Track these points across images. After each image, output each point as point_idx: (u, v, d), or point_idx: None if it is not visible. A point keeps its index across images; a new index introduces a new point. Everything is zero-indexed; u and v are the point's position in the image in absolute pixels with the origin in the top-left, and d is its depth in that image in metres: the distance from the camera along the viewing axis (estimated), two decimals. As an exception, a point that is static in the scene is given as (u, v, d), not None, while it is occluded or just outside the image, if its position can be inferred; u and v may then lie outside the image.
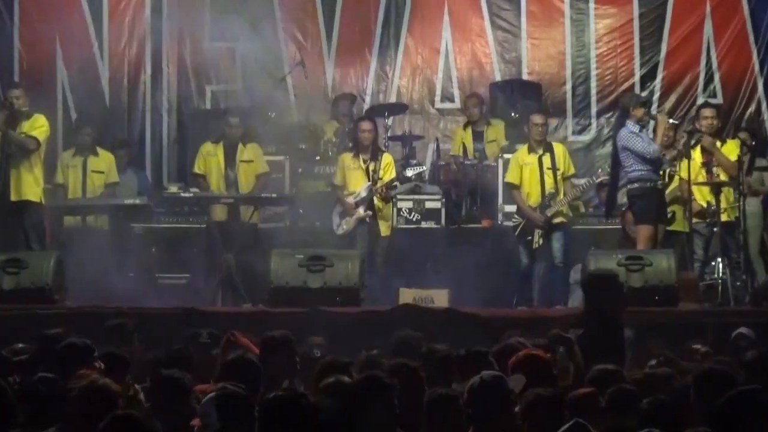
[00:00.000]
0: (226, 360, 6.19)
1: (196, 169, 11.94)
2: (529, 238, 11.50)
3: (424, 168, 12.56)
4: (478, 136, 13.08)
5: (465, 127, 13.24)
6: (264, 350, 6.62)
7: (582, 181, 12.26)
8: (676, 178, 11.57)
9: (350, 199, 11.70)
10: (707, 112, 11.67)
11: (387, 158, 11.93)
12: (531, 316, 10.01)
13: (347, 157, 11.91)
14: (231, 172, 11.77)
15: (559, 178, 11.64)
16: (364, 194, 11.67)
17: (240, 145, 11.83)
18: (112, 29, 14.06)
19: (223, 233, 11.39)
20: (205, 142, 12.07)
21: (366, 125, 11.85)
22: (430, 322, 9.18)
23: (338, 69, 14.18)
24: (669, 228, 11.41)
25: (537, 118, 11.81)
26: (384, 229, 11.75)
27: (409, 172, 12.02)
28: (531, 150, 11.74)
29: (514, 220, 11.72)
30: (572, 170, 11.86)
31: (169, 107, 14.09)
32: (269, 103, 13.21)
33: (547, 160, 11.65)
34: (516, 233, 11.60)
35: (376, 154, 11.83)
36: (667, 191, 11.43)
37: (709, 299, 10.70)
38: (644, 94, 13.85)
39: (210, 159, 11.84)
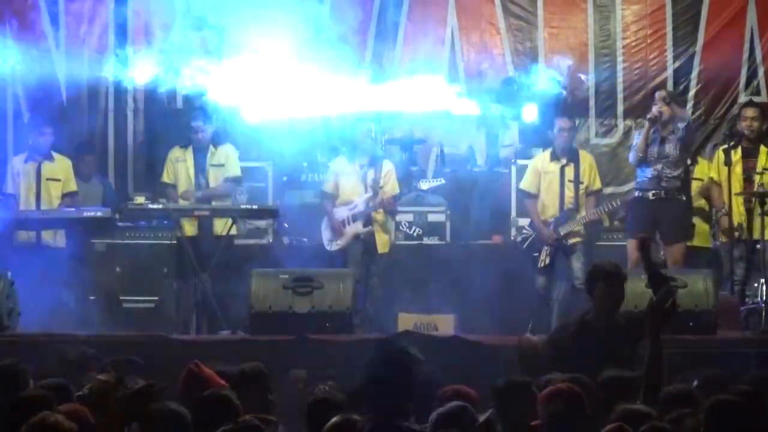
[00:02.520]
0: (201, 396, 6.28)
1: (165, 178, 12.02)
2: (536, 254, 11.64)
3: (443, 181, 12.64)
4: (492, 139, 13.18)
5: (478, 128, 13.35)
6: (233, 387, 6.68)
7: (609, 189, 12.35)
8: (694, 185, 11.74)
9: (343, 211, 11.80)
10: (750, 111, 11.79)
11: (387, 165, 12.04)
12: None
13: (342, 161, 12.04)
14: (202, 178, 11.89)
15: (581, 192, 11.72)
16: (362, 207, 11.78)
17: (211, 148, 11.95)
18: (70, 14, 14.19)
19: (196, 250, 11.47)
20: (173, 146, 12.15)
21: (363, 125, 11.99)
22: (432, 352, 9.30)
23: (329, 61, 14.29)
24: (688, 243, 11.64)
25: (563, 123, 11.89)
26: (381, 245, 11.84)
27: (425, 185, 12.13)
28: (554, 157, 11.84)
29: (524, 231, 11.86)
30: (598, 185, 11.93)
31: (135, 106, 14.25)
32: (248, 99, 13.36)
33: (570, 171, 11.72)
34: (524, 246, 11.73)
35: (374, 160, 11.95)
36: None
37: (750, 326, 10.82)
38: (679, 89, 14.04)
39: (178, 165, 11.95)
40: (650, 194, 11.13)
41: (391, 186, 11.91)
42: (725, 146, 11.80)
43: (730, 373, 8.49)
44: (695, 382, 7.48)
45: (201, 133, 11.90)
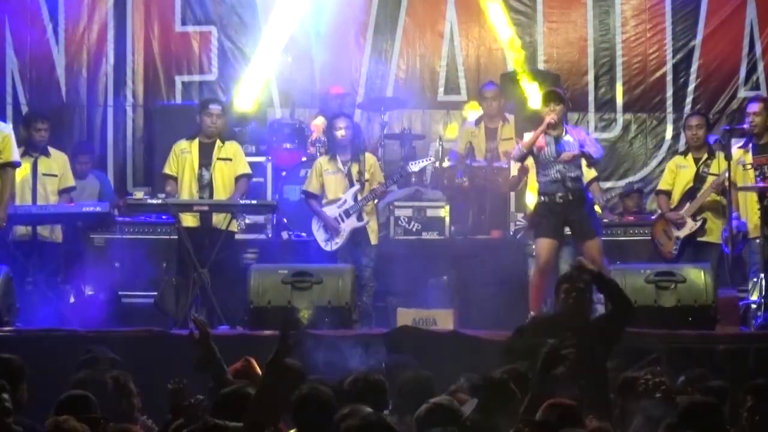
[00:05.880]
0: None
1: (167, 170, 11.83)
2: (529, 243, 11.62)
3: (432, 159, 12.68)
4: (491, 134, 13.18)
5: (477, 122, 13.34)
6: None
7: (608, 184, 12.36)
8: (708, 179, 11.71)
9: (333, 209, 11.81)
10: (754, 107, 11.68)
11: (370, 158, 12.11)
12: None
13: (324, 160, 12.05)
14: (206, 172, 11.81)
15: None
16: (352, 202, 11.81)
17: (218, 141, 11.90)
18: (69, 11, 14.17)
19: (195, 244, 11.44)
20: (177, 140, 11.95)
21: (341, 123, 12.00)
22: (431, 347, 9.31)
23: (327, 56, 14.29)
24: (700, 239, 11.65)
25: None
26: (374, 237, 11.88)
27: (415, 167, 12.15)
28: None
29: (518, 223, 11.91)
30: (592, 173, 11.97)
31: (134, 102, 14.22)
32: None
33: None
34: (517, 237, 11.62)
35: (356, 155, 11.98)
36: (699, 194, 11.68)
37: (749, 322, 10.82)
38: (678, 84, 14.06)
39: (184, 157, 11.80)
40: (557, 197, 10.63)
41: (377, 179, 11.96)
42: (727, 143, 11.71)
43: (729, 368, 8.57)
44: (681, 378, 7.58)
45: (217, 119, 11.78)
